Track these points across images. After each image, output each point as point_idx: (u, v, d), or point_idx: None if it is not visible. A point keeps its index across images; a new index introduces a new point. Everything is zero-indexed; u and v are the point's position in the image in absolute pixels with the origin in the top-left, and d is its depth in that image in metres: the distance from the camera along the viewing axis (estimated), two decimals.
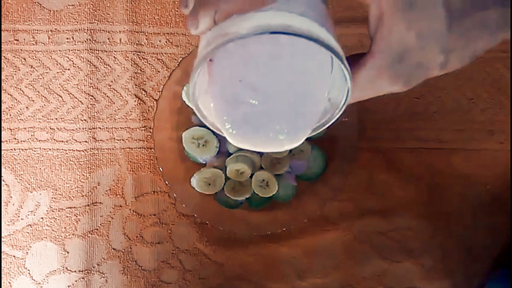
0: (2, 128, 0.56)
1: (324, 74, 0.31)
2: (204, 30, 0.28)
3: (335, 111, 0.31)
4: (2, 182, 0.56)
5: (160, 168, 0.53)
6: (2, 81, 0.57)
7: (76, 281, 0.55)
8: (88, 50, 0.58)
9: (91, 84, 0.58)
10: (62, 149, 0.57)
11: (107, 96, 0.58)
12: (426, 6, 0.27)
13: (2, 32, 0.58)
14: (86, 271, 0.55)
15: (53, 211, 0.56)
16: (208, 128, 0.33)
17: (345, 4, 0.59)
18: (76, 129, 0.57)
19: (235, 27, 0.26)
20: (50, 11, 0.59)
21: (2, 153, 0.56)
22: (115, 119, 0.57)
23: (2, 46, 0.58)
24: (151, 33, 0.59)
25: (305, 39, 0.25)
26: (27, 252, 0.55)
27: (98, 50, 0.58)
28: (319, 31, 0.26)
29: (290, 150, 0.54)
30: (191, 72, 0.28)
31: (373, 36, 0.29)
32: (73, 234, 0.55)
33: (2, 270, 0.54)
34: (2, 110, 0.57)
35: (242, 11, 0.27)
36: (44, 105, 0.57)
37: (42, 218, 0.55)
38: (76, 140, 0.57)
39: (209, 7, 0.27)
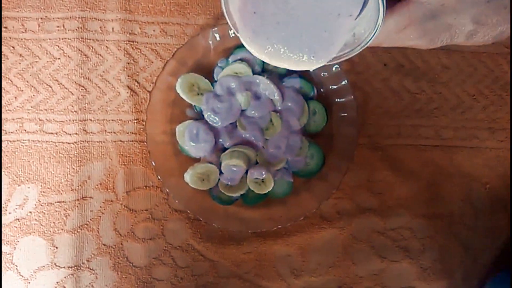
0: None
1: (353, 10, 0.32)
2: None
3: (357, 46, 0.32)
4: None
5: (153, 162, 0.51)
6: None
7: (65, 277, 0.53)
8: (79, 39, 0.56)
9: (82, 74, 0.56)
10: (52, 141, 0.55)
11: (98, 87, 0.56)
12: None
13: None
14: (75, 267, 0.53)
15: (41, 205, 0.54)
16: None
17: None
18: (66, 120, 0.55)
19: None
20: None
21: None
22: (106, 111, 0.56)
23: None
24: (144, 22, 0.57)
25: None
26: (14, 247, 0.53)
27: (90, 39, 0.56)
28: None
29: None
30: None
31: None
32: (62, 229, 0.54)
33: None
34: None
35: None
36: (33, 95, 0.56)
37: (30, 212, 0.54)
38: (66, 132, 0.55)
39: None
